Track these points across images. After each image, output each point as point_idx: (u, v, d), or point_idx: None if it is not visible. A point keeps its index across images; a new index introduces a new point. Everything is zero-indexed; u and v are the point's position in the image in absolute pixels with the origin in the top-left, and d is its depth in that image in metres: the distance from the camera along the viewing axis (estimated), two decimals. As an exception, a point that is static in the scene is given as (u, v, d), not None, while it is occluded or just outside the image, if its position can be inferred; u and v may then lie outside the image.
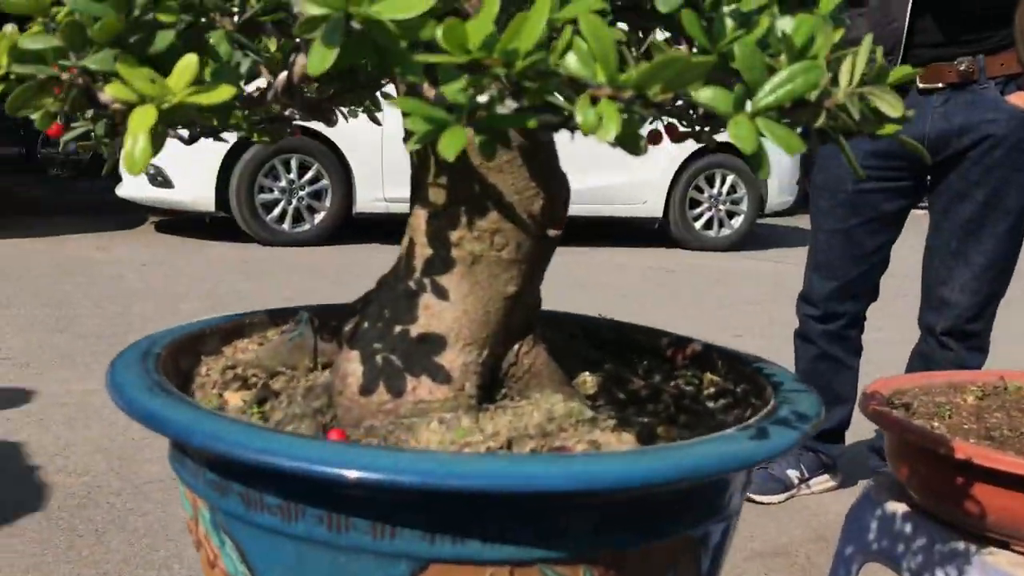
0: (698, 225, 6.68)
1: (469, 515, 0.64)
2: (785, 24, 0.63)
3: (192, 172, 5.61)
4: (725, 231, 6.76)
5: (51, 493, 2.14)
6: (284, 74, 0.71)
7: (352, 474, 0.58)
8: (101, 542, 1.92)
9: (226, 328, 0.94)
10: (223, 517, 0.71)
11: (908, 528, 1.29)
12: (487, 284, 0.80)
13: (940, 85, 2.00)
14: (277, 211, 5.84)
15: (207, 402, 0.79)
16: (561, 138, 0.73)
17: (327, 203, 5.91)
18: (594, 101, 0.50)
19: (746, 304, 4.81)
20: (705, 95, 0.59)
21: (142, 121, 0.57)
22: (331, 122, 0.93)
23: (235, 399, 0.80)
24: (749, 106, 0.59)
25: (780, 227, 8.16)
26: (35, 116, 0.80)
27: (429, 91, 0.60)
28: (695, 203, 6.65)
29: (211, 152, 5.56)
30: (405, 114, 0.52)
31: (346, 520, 0.65)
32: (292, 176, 5.83)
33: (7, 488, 2.16)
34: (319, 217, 5.93)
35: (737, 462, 0.66)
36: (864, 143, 2.06)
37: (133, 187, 5.77)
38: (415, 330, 0.79)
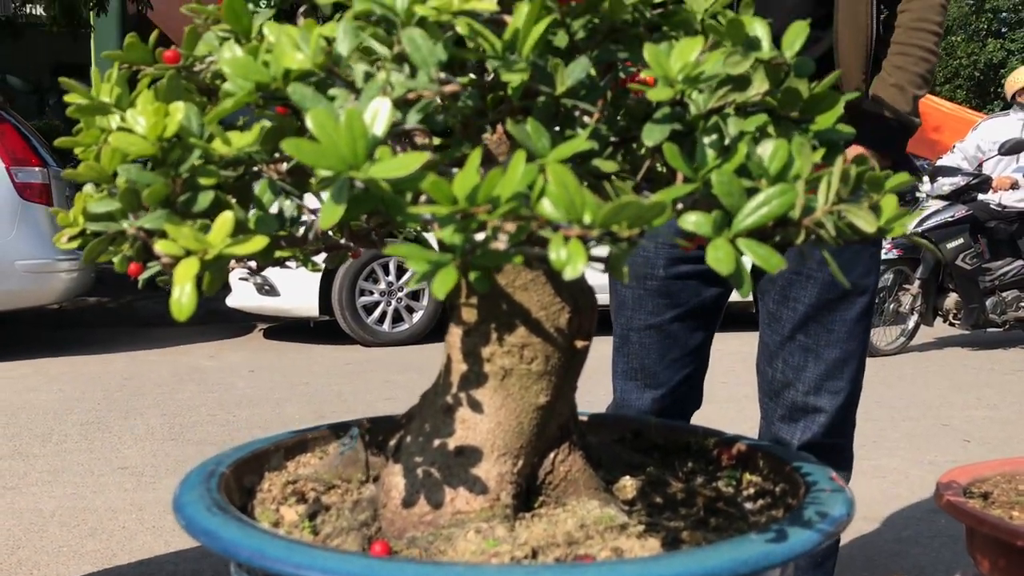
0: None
1: (495, 623, 0.68)
2: (766, 148, 0.67)
3: (297, 280, 5.89)
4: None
5: (158, 599, 2.24)
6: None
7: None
8: (202, 646, 2.00)
9: (289, 444, 1.01)
10: (276, 627, 0.77)
11: (993, 625, 1.25)
12: (519, 396, 0.85)
13: None
14: (377, 313, 6.03)
15: (265, 518, 0.86)
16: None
17: (424, 303, 6.08)
18: (568, 239, 0.55)
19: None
20: (690, 221, 0.63)
21: (186, 273, 0.65)
22: (380, 247, 1.01)
23: (290, 514, 0.86)
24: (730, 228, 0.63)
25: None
26: (115, 260, 0.90)
27: (440, 231, 0.67)
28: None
29: (313, 260, 5.82)
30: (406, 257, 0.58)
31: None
32: (391, 278, 6.04)
33: (118, 594, 2.27)
34: (417, 316, 6.10)
35: (751, 566, 0.67)
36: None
37: (242, 297, 6.07)
38: (452, 443, 0.84)
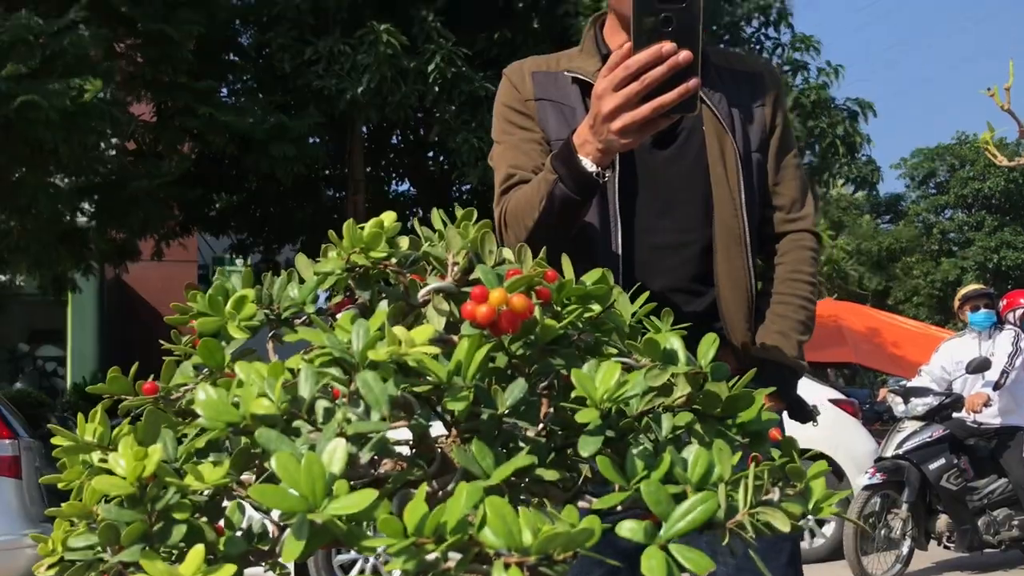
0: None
1: None
2: (689, 452, 0.75)
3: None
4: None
5: None
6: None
7: None
8: None
9: None
10: None
11: None
12: None
13: None
14: (355, 571, 5.86)
15: None
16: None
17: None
18: (509, 566, 0.61)
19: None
20: (626, 528, 0.69)
21: (159, 609, 0.69)
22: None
23: None
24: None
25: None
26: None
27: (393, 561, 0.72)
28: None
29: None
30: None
31: None
32: (373, 534, 5.93)
33: None
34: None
35: None
36: None
37: (220, 563, 5.90)
38: None
